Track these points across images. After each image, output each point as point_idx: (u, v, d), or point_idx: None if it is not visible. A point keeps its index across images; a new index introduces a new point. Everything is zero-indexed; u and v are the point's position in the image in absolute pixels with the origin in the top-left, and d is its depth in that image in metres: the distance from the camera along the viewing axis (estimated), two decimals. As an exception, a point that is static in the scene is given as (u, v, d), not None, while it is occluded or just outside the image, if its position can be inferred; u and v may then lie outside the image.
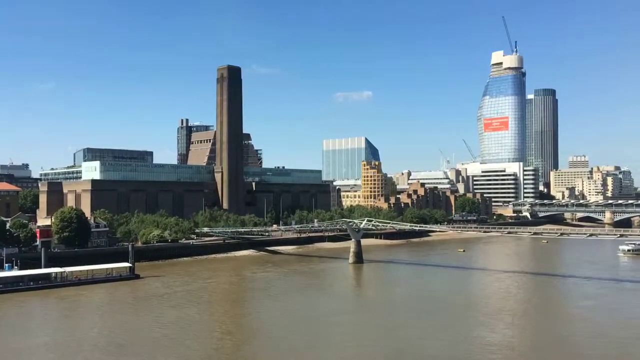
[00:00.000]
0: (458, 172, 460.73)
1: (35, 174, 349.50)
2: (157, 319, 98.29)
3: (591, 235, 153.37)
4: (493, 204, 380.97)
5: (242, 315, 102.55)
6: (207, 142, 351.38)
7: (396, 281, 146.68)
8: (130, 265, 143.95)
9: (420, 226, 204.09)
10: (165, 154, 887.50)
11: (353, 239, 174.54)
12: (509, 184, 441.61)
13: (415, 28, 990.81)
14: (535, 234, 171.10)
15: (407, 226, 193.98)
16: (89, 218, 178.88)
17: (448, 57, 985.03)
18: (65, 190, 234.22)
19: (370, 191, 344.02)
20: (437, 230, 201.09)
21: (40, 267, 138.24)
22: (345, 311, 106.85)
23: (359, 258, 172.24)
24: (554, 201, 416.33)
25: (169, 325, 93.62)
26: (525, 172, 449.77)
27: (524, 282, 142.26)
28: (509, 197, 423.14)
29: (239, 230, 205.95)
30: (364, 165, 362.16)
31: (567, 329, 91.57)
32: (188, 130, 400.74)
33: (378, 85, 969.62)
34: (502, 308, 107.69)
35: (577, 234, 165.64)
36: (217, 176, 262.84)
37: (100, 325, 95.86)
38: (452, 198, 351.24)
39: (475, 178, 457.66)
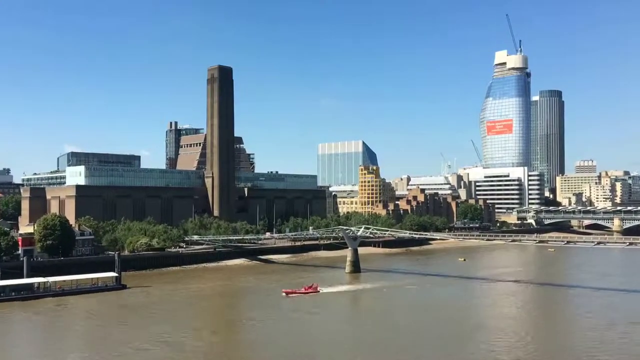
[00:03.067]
0: (460, 178, 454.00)
1: (17, 180, 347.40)
2: (143, 337, 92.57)
3: (599, 243, 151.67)
4: (496, 210, 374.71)
5: (232, 340, 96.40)
6: (197, 145, 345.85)
7: (395, 294, 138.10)
8: (117, 275, 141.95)
9: (420, 234, 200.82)
10: (154, 159, 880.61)
11: (350, 248, 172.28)
12: (513, 189, 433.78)
13: (416, 27, 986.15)
14: (540, 242, 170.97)
15: (406, 234, 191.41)
16: (73, 225, 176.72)
17: (449, 57, 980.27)
18: (48, 197, 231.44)
19: (368, 197, 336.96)
20: (438, 238, 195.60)
21: (22, 277, 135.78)
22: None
23: (356, 267, 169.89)
24: (560, 208, 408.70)
25: (156, 345, 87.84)
26: (530, 177, 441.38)
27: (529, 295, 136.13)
28: (513, 203, 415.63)
29: (231, 238, 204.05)
30: (361, 170, 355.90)
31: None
32: (177, 134, 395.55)
33: (376, 86, 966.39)
34: (504, 328, 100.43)
35: (585, 242, 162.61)
36: (208, 181, 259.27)
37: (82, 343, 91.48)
38: (453, 204, 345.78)
39: (477, 183, 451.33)
